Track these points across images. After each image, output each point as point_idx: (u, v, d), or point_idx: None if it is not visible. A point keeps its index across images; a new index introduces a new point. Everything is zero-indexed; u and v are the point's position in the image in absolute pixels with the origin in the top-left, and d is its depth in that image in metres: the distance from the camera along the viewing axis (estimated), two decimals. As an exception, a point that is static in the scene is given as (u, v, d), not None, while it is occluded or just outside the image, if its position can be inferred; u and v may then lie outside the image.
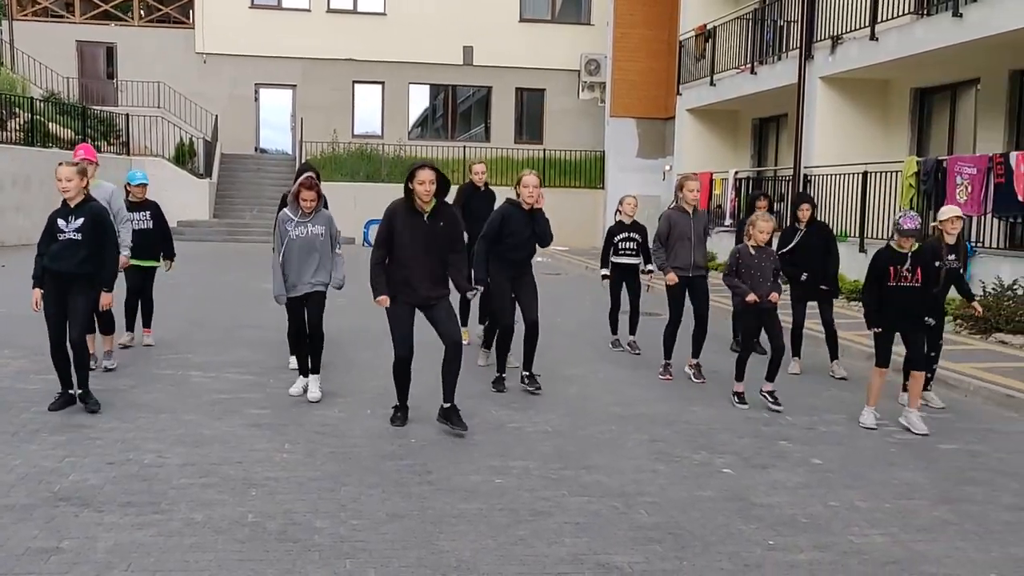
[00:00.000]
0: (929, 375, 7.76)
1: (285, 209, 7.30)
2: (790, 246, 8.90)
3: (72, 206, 6.68)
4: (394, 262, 6.52)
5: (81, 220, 6.61)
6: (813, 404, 7.78)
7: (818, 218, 9.27)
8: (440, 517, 4.82)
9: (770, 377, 7.61)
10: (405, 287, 6.47)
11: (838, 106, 16.46)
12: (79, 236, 6.59)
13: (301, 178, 7.40)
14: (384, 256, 6.54)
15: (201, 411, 6.84)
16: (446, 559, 4.29)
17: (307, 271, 7.21)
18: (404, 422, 6.69)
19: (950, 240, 7.53)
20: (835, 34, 15.78)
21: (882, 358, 7.11)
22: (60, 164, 6.77)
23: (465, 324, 9.89)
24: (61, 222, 6.64)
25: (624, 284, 10.01)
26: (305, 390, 7.36)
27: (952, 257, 7.54)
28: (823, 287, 8.84)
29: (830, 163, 16.05)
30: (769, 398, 7.55)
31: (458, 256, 6.69)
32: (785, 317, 8.10)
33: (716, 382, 8.40)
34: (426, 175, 6.36)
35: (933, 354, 7.75)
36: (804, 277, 8.88)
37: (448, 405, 6.52)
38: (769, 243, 7.79)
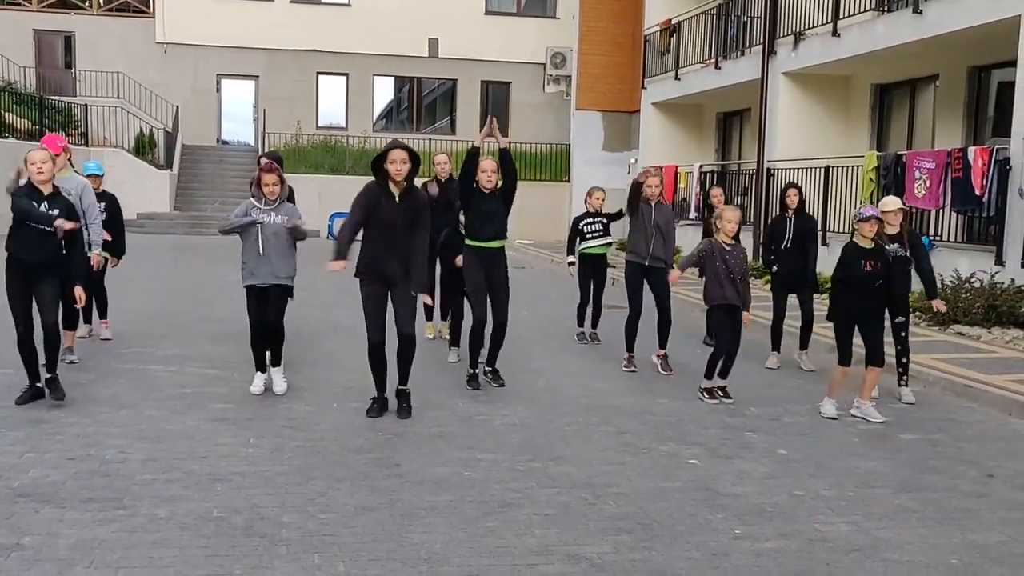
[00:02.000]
0: (901, 369, 7.86)
1: (251, 199, 7.13)
2: (789, 237, 8.87)
3: (45, 193, 6.51)
4: (367, 241, 6.59)
5: (56, 211, 6.47)
6: (778, 395, 7.86)
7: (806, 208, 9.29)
8: (409, 510, 4.80)
9: (723, 373, 7.63)
10: (375, 266, 6.54)
11: (800, 101, 16.63)
12: (51, 228, 6.44)
13: (263, 162, 7.29)
14: (357, 223, 6.59)
15: (164, 406, 6.75)
16: (416, 551, 4.28)
17: (267, 262, 7.01)
18: (380, 413, 6.66)
19: (891, 231, 7.58)
20: (798, 30, 15.93)
21: (845, 356, 7.16)
22: (32, 150, 6.58)
23: (430, 319, 9.87)
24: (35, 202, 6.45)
25: (592, 279, 10.02)
26: (267, 388, 7.24)
27: (895, 246, 7.57)
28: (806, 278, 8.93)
29: (792, 157, 16.20)
30: (720, 393, 7.58)
31: (420, 242, 6.63)
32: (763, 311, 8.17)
33: (683, 374, 8.44)
34: (398, 155, 6.43)
35: (900, 347, 7.83)
36: (774, 269, 8.95)
37: (401, 388, 6.74)
38: (737, 236, 7.83)
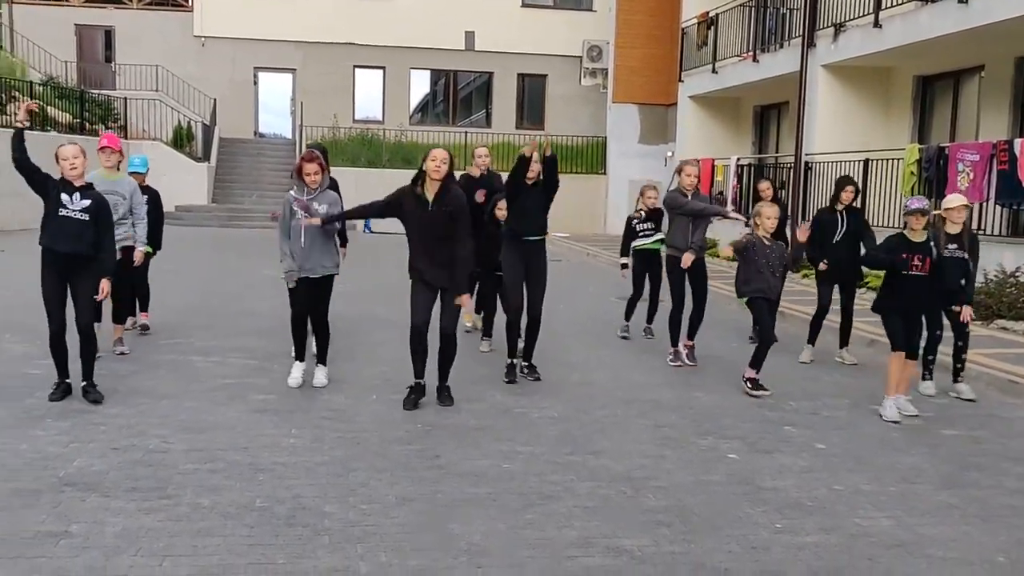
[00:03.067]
0: (959, 365, 7.75)
1: (291, 192, 7.17)
2: (842, 232, 8.72)
3: (76, 185, 6.55)
4: (410, 247, 6.77)
5: (88, 202, 6.50)
6: (816, 390, 7.79)
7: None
8: (450, 501, 4.83)
9: (754, 364, 7.57)
10: (419, 274, 6.71)
11: (839, 94, 16.45)
12: (86, 217, 6.46)
13: (305, 152, 7.30)
14: (382, 206, 6.89)
15: (205, 397, 6.83)
16: (457, 542, 4.30)
17: (313, 253, 7.01)
18: (416, 404, 6.71)
19: (953, 229, 7.50)
20: (838, 21, 15.74)
21: (897, 341, 7.01)
22: (62, 145, 6.61)
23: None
24: (65, 196, 6.44)
25: (647, 273, 9.98)
26: (304, 381, 7.24)
27: (954, 246, 7.47)
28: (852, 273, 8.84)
29: (831, 150, 16.04)
30: (749, 385, 7.54)
31: (461, 249, 6.64)
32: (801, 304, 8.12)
33: (719, 368, 8.41)
34: (439, 153, 6.61)
35: (960, 343, 7.71)
36: (821, 266, 8.84)
37: (439, 384, 6.87)
38: (778, 231, 7.77)
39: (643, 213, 9.82)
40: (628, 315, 10.13)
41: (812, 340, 9.06)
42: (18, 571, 3.84)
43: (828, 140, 16.37)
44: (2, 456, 5.29)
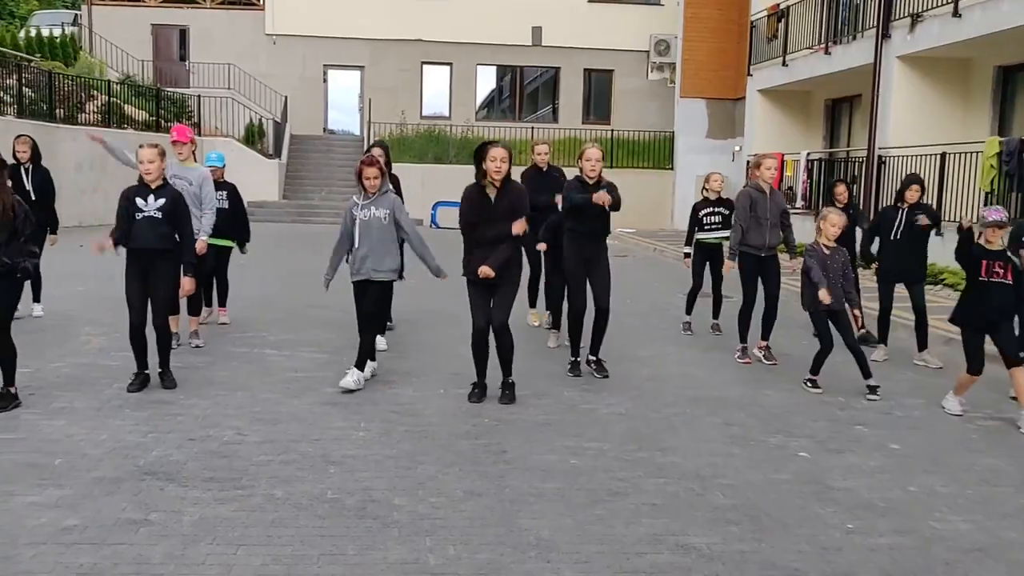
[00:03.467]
0: None
1: (352, 198, 7.18)
2: (900, 229, 8.51)
3: (152, 187, 6.77)
4: (470, 243, 6.76)
5: (163, 200, 6.72)
6: (890, 389, 7.62)
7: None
8: (517, 496, 4.85)
9: (813, 370, 7.49)
10: (471, 267, 6.72)
11: (915, 86, 16.06)
12: (159, 215, 6.69)
13: (364, 155, 7.35)
14: (470, 232, 6.79)
15: (277, 389, 6.96)
16: (525, 537, 4.32)
17: (370, 257, 7.02)
18: (480, 399, 6.78)
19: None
20: (915, 11, 15.37)
21: (975, 365, 6.73)
22: (142, 146, 6.83)
23: (534, 306, 9.93)
24: (140, 201, 6.70)
25: (708, 264, 9.88)
26: (356, 384, 7.09)
27: None
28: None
29: (906, 144, 15.67)
30: (809, 384, 7.48)
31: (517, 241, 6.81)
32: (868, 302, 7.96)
33: (789, 366, 8.30)
34: (498, 152, 6.59)
35: None
36: (875, 267, 8.67)
37: (502, 380, 6.85)
38: (842, 237, 7.62)
39: (711, 198, 9.75)
40: (689, 308, 10.02)
41: (883, 339, 8.87)
42: (101, 557, 3.96)
43: (903, 134, 16.01)
44: (84, 445, 5.46)
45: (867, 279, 9.67)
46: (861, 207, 14.65)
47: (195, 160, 8.40)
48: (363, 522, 4.45)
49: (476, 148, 6.75)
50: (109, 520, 4.36)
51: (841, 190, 9.62)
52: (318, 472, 5.14)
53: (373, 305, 7.13)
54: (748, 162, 21.40)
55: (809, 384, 7.50)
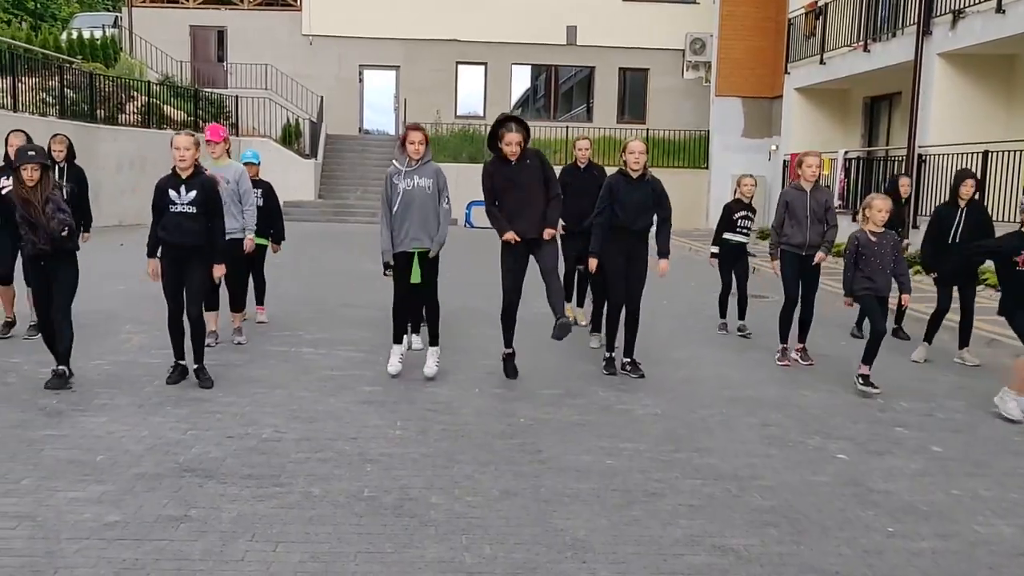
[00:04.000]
0: None
1: (393, 163, 7.14)
2: (958, 231, 8.37)
3: (184, 177, 6.83)
4: (503, 211, 7.15)
5: (194, 193, 6.79)
6: (931, 390, 7.54)
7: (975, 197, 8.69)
8: (553, 496, 4.84)
9: (866, 360, 7.35)
10: (515, 228, 7.14)
11: (957, 83, 15.85)
12: (193, 209, 6.77)
13: (409, 124, 7.32)
14: (494, 204, 7.26)
15: (314, 387, 7.01)
16: (561, 537, 4.31)
17: (416, 227, 7.00)
18: (516, 372, 7.40)
19: None
20: (957, 8, 15.16)
21: None
22: (177, 134, 6.90)
23: (570, 300, 9.91)
24: (173, 193, 6.77)
25: (732, 266, 9.84)
26: (402, 359, 7.35)
27: None
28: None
29: (947, 143, 15.46)
30: (860, 380, 7.33)
31: (555, 199, 7.27)
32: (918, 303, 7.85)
33: (827, 366, 8.22)
34: (513, 137, 7.03)
35: None
36: (934, 277, 8.54)
37: (562, 319, 7.10)
38: (891, 223, 7.53)
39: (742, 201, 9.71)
40: (722, 311, 9.97)
41: (928, 339, 8.74)
42: (142, 553, 4.01)
43: (944, 132, 15.79)
44: (125, 442, 5.52)
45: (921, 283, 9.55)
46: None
47: (229, 158, 8.46)
48: (400, 520, 4.47)
49: (492, 126, 7.09)
50: (150, 516, 4.42)
51: (905, 183, 9.47)
52: (355, 470, 5.16)
53: (430, 279, 7.24)
54: (784, 162, 21.27)
55: (861, 381, 7.32)
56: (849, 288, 7.48)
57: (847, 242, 7.64)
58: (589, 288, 9.44)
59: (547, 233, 7.14)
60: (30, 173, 6.52)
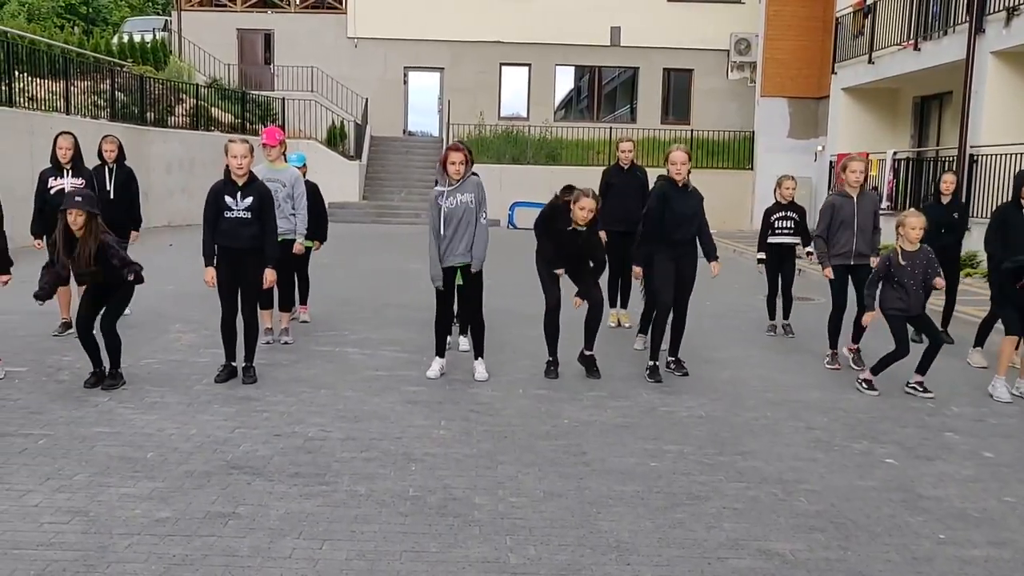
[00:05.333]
0: None
1: (436, 186, 7.25)
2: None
3: (240, 184, 6.93)
4: (545, 247, 7.46)
5: (250, 199, 6.89)
6: (982, 395, 7.41)
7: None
8: (597, 498, 4.84)
9: (920, 370, 7.28)
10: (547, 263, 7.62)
11: (1011, 82, 15.54)
12: (248, 215, 6.88)
13: (448, 145, 7.38)
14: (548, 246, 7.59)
15: (360, 387, 7.06)
16: (605, 539, 4.31)
17: (459, 244, 7.12)
18: (557, 375, 7.49)
19: None
20: (1011, 4, 14.87)
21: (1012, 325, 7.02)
22: (232, 141, 6.98)
23: (613, 306, 9.90)
24: (229, 199, 6.87)
25: (779, 268, 9.74)
26: (443, 373, 7.43)
27: None
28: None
29: (999, 143, 15.18)
30: (919, 388, 7.28)
31: (597, 270, 7.56)
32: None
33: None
34: (587, 203, 7.23)
35: None
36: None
37: (588, 353, 7.54)
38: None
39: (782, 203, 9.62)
40: (771, 313, 9.89)
41: (980, 343, 8.57)
42: (192, 549, 4.08)
43: (997, 132, 15.49)
44: (174, 440, 5.62)
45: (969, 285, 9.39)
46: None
47: (285, 161, 8.54)
48: (444, 520, 4.49)
49: (566, 188, 7.41)
50: (199, 513, 4.49)
51: (948, 179, 9.23)
52: (400, 469, 5.20)
53: (477, 296, 7.34)
54: (831, 162, 21.01)
55: (865, 385, 7.36)
56: (871, 304, 7.36)
57: (879, 261, 7.54)
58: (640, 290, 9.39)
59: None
60: (74, 218, 6.35)
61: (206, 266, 7.03)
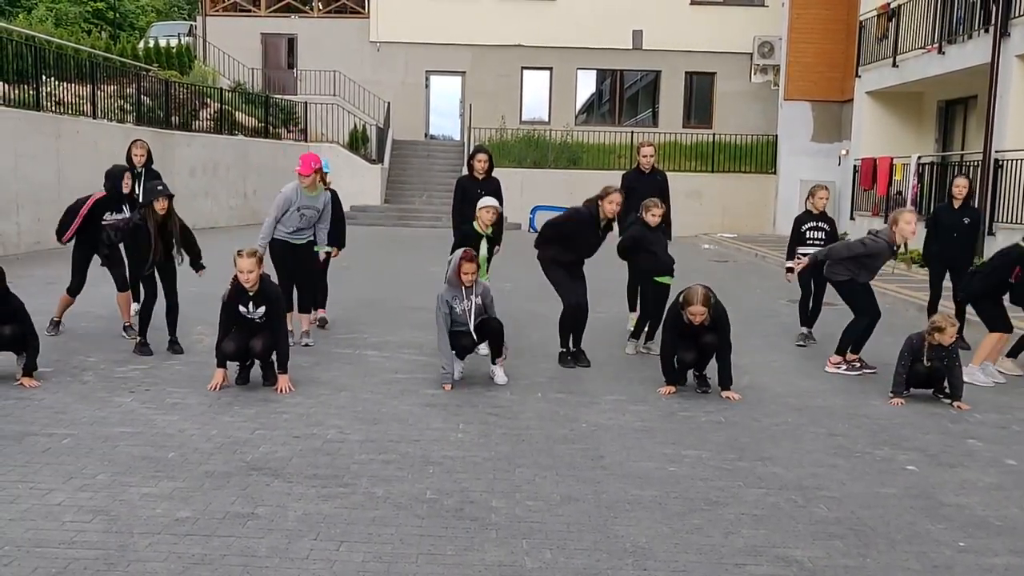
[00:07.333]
0: None
1: (443, 291, 7.28)
2: None
3: (252, 294, 6.92)
4: (566, 247, 7.78)
5: (263, 308, 6.96)
6: (1006, 402, 7.34)
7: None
8: (614, 502, 4.83)
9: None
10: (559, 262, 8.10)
11: (1036, 86, 15.39)
12: (263, 320, 6.98)
13: (460, 251, 7.27)
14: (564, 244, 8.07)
15: (378, 390, 7.09)
16: (622, 544, 4.30)
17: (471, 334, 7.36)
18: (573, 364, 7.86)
19: None
20: (1035, 9, 14.75)
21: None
22: (240, 254, 6.86)
23: (634, 310, 9.86)
24: (243, 309, 6.95)
25: (812, 275, 9.65)
26: (462, 376, 7.43)
27: None
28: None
29: (1025, 147, 15.04)
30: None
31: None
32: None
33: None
34: (616, 197, 7.81)
35: None
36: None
37: (577, 349, 8.05)
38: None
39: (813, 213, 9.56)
40: (803, 319, 9.76)
41: (1015, 353, 8.46)
42: (211, 548, 4.11)
43: (1022, 136, 15.35)
44: (195, 440, 5.66)
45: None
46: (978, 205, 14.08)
47: (320, 183, 8.46)
48: (461, 523, 4.50)
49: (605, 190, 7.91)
50: (219, 513, 4.52)
51: (961, 183, 9.13)
52: (417, 472, 5.22)
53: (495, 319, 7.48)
54: (855, 166, 20.84)
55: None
56: (899, 389, 7.29)
57: (903, 344, 7.35)
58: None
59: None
60: (163, 203, 7.78)
61: (218, 367, 6.99)
